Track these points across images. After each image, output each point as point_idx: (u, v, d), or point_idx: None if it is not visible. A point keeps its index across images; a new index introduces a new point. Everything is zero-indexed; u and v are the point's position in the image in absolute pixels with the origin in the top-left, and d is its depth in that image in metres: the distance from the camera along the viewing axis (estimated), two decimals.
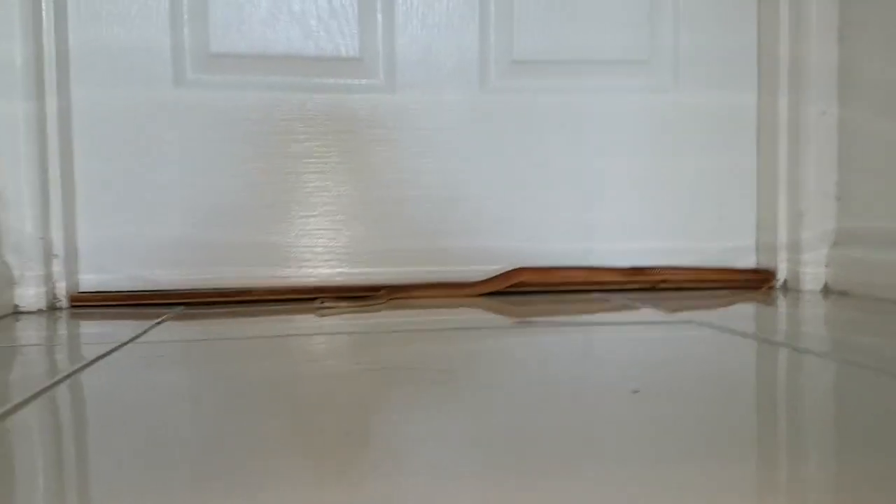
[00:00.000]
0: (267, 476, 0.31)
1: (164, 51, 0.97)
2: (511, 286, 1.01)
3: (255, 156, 1.01)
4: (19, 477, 0.34)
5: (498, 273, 1.02)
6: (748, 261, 1.11)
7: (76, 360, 0.58)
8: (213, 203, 1.00)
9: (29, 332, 0.77)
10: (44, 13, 0.90)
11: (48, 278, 0.91)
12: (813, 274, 1.03)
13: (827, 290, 1.01)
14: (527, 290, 1.02)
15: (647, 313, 0.84)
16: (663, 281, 1.06)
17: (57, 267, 0.92)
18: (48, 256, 0.91)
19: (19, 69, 0.87)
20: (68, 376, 0.53)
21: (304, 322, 0.83)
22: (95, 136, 0.97)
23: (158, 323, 0.80)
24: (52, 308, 0.91)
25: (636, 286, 1.05)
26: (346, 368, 0.56)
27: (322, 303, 0.89)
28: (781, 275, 1.06)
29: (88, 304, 0.95)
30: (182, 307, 0.94)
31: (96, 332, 0.81)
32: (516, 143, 1.05)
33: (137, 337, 0.70)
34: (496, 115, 1.04)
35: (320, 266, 1.03)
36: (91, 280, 0.97)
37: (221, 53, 0.99)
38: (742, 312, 0.90)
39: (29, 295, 0.89)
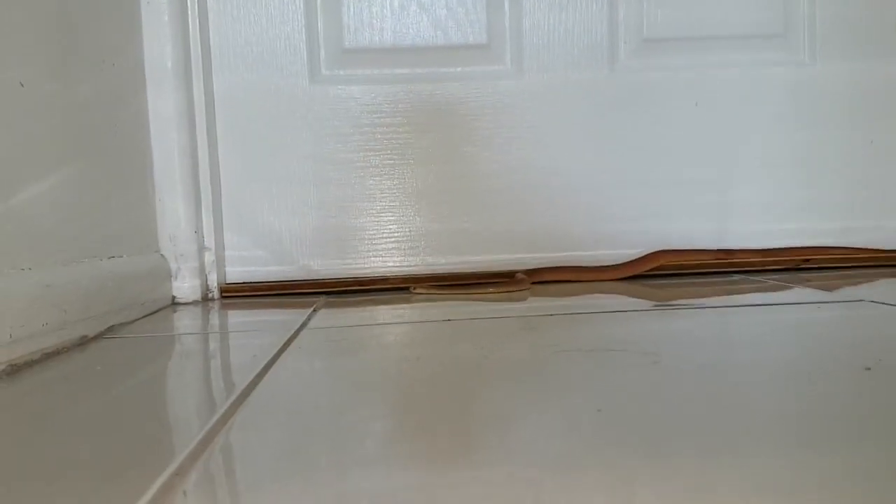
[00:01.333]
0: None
1: (300, 49, 1.00)
2: (651, 269, 0.99)
3: (385, 147, 1.03)
4: (288, 425, 0.35)
5: (636, 256, 1.01)
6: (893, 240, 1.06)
7: (271, 344, 0.60)
8: (347, 195, 1.02)
9: (199, 322, 0.81)
10: (189, 18, 0.93)
11: (201, 270, 0.94)
12: None
13: None
14: (662, 272, 1.01)
15: (806, 293, 0.81)
16: (806, 261, 1.03)
17: (209, 259, 0.95)
18: (201, 249, 0.94)
19: (170, 68, 0.90)
20: (276, 357, 0.55)
21: (450, 308, 0.84)
22: (236, 134, 1.00)
23: (314, 311, 0.82)
24: (206, 299, 0.95)
25: (778, 266, 1.02)
26: (522, 351, 0.56)
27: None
28: None
29: (238, 294, 0.98)
30: (324, 296, 0.96)
31: (263, 319, 0.83)
32: (647, 124, 1.03)
33: (305, 324, 0.72)
34: (625, 95, 1.03)
35: (449, 254, 1.04)
36: (236, 272, 1.01)
37: (354, 49, 1.01)
38: None
39: (185, 287, 0.93)
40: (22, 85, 0.61)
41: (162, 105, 0.91)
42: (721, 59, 1.03)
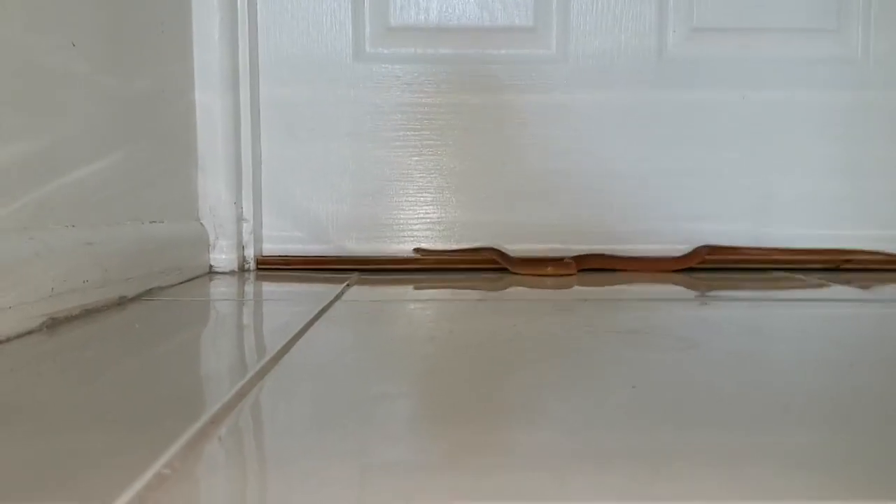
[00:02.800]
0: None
1: (346, 25, 1.00)
2: (694, 264, 0.99)
3: (425, 128, 1.02)
4: (327, 382, 0.36)
5: (675, 253, 1.00)
6: None
7: (306, 312, 0.60)
8: (385, 174, 1.02)
9: (236, 289, 0.82)
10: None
11: (239, 241, 0.96)
12: None
13: None
14: (704, 267, 1.00)
15: (844, 290, 0.80)
16: (847, 261, 1.01)
17: (246, 231, 0.97)
18: (239, 220, 0.96)
19: (216, 39, 0.91)
20: (309, 324, 0.55)
21: (484, 287, 0.84)
22: (278, 108, 1.00)
23: (348, 285, 0.83)
24: (242, 269, 0.96)
25: (817, 266, 1.00)
26: (556, 331, 0.56)
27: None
28: None
29: (273, 266, 0.99)
30: (357, 273, 0.97)
31: (297, 290, 0.84)
32: (693, 115, 1.02)
33: (339, 296, 0.73)
34: (672, 85, 1.01)
35: (485, 239, 1.03)
36: (272, 245, 1.02)
37: (399, 27, 1.01)
38: None
39: (222, 257, 0.94)
40: (73, 45, 0.62)
41: (208, 75, 0.92)
42: (772, 51, 1.01)
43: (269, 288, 0.85)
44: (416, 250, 1.01)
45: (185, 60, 0.89)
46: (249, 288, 0.83)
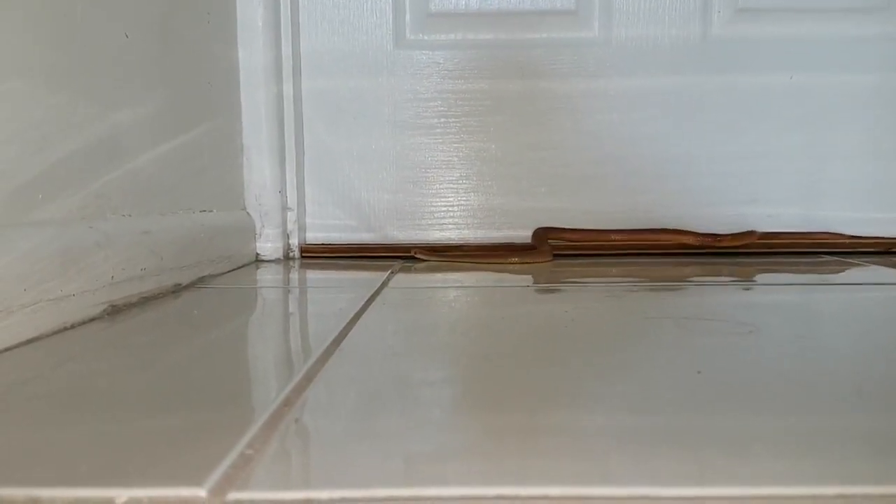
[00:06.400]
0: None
1: (386, 12, 1.00)
2: (740, 246, 0.97)
3: (466, 114, 1.02)
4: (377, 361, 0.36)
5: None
6: None
7: (358, 298, 0.61)
8: (426, 161, 1.02)
9: (286, 277, 0.83)
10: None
11: (284, 229, 0.97)
12: None
13: None
14: (751, 251, 0.98)
15: (892, 274, 0.78)
16: None
17: (291, 220, 0.98)
18: (284, 209, 0.97)
19: (260, 26, 0.92)
20: (363, 310, 0.56)
21: (528, 272, 0.83)
22: (319, 94, 1.01)
23: (392, 273, 0.83)
24: (287, 257, 0.97)
25: (866, 250, 0.99)
26: (611, 317, 0.56)
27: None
28: None
29: (316, 255, 1.00)
30: (400, 260, 0.97)
31: (345, 278, 0.85)
32: (739, 97, 1.00)
33: (386, 283, 0.73)
34: (718, 67, 1.00)
35: (527, 227, 1.03)
36: (315, 234, 1.03)
37: (439, 13, 1.00)
38: None
39: (268, 245, 0.95)
40: (127, 36, 0.63)
41: (252, 64, 0.92)
42: (820, 31, 0.99)
43: (316, 276, 0.86)
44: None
45: (230, 51, 0.90)
46: (297, 276, 0.84)
